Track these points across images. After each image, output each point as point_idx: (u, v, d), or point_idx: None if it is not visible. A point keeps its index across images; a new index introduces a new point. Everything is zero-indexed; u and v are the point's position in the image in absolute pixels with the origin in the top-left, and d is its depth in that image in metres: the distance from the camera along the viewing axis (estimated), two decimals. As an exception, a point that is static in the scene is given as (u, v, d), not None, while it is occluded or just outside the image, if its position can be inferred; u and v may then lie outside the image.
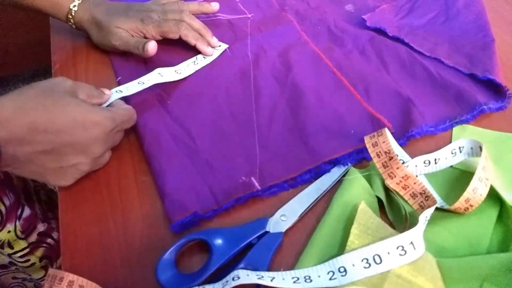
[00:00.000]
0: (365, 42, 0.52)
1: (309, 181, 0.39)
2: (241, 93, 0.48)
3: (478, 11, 0.53)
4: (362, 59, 0.50)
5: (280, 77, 0.49)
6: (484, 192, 0.34)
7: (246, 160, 0.41)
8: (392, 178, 0.36)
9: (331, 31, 0.54)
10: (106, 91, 0.43)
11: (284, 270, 0.32)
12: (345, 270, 0.29)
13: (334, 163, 0.40)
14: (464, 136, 0.42)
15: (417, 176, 0.37)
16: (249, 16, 0.57)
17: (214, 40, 0.53)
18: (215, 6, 0.55)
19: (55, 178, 0.37)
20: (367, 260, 0.29)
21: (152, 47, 0.50)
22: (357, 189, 0.36)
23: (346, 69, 0.49)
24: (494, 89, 0.45)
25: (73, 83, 0.39)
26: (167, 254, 0.32)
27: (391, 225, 0.35)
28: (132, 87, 0.46)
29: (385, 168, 0.36)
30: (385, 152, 0.36)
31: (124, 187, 0.40)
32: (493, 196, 0.35)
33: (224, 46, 0.53)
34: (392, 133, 0.41)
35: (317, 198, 0.37)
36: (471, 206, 0.34)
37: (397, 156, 0.38)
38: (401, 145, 0.41)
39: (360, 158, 0.40)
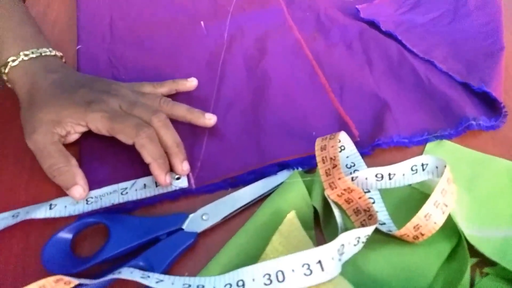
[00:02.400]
0: (354, 35, 0.46)
1: (251, 183, 0.35)
2: (204, 77, 0.43)
3: (492, 14, 0.47)
4: (346, 54, 0.45)
5: (251, 64, 0.44)
6: (440, 220, 0.29)
7: (189, 150, 0.37)
8: (332, 189, 0.31)
9: (319, 19, 0.48)
10: None
11: (188, 275, 0.28)
12: (243, 285, 0.25)
13: (284, 166, 0.35)
14: (438, 152, 0.36)
15: (367, 191, 0.32)
16: (236, -6, 0.53)
17: (183, 167, 0.34)
18: (192, 81, 0.42)
19: None
20: (269, 276, 0.24)
21: (79, 193, 0.33)
22: (293, 195, 0.31)
23: (326, 63, 0.44)
24: (489, 104, 0.39)
25: None
26: (61, 233, 0.29)
27: (325, 242, 0.30)
28: None
29: (327, 176, 0.31)
30: (331, 159, 0.31)
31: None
32: (452, 227, 0.30)
33: (184, 182, 0.34)
34: (357, 142, 0.36)
35: (250, 202, 0.33)
36: (422, 235, 0.29)
37: (353, 166, 0.33)
38: (364, 154, 0.36)
39: (315, 164, 0.35)
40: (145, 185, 0.34)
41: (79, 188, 0.33)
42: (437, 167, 0.31)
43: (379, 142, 0.36)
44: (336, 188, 0.30)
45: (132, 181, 0.35)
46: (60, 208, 0.33)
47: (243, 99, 0.41)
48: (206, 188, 0.35)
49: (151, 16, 0.50)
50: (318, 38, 0.46)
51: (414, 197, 0.33)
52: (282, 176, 0.34)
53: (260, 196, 0.33)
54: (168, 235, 0.30)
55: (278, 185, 0.34)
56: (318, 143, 0.32)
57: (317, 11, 0.49)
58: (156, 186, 0.34)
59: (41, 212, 0.32)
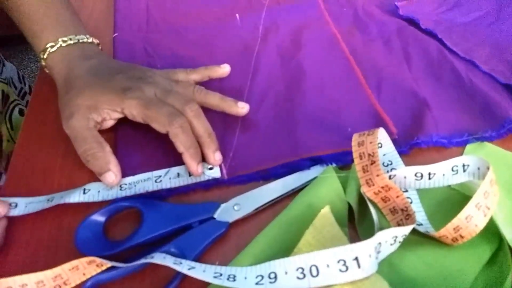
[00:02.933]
0: (392, 31, 0.45)
1: (283, 176, 0.34)
2: (238, 68, 0.43)
3: (539, 14, 0.45)
4: (384, 50, 0.44)
5: (286, 56, 0.44)
6: (481, 223, 0.28)
7: (222, 141, 0.37)
8: (369, 186, 0.30)
9: (357, 14, 0.47)
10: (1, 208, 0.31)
11: (219, 264, 0.28)
12: (275, 277, 0.24)
13: (317, 161, 0.35)
14: (478, 154, 0.34)
15: (405, 190, 0.31)
16: (272, -13, 0.52)
17: (216, 157, 0.34)
18: (224, 68, 0.41)
19: None
20: (303, 270, 0.24)
21: (111, 180, 0.33)
22: (327, 190, 0.31)
23: (363, 58, 0.43)
24: (534, 106, 0.37)
25: None
26: (94, 216, 0.29)
27: (359, 240, 0.30)
28: (33, 205, 0.33)
29: (364, 172, 0.30)
30: (369, 155, 0.30)
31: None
32: (493, 231, 0.29)
33: (216, 172, 0.34)
34: (395, 139, 0.35)
35: (282, 195, 0.32)
36: (462, 237, 0.28)
37: (390, 164, 0.32)
38: (402, 153, 0.35)
39: (350, 160, 0.35)
40: (178, 174, 0.34)
41: (111, 174, 0.33)
42: (479, 169, 0.30)
43: (418, 141, 0.35)
44: (373, 185, 0.30)
45: (166, 170, 0.35)
46: (93, 192, 0.33)
47: (277, 91, 0.41)
48: (238, 179, 0.34)
49: (187, 7, 0.50)
50: (355, 33, 0.46)
51: (453, 199, 0.32)
52: (315, 170, 0.34)
53: (292, 189, 0.32)
54: (200, 223, 0.30)
55: (311, 180, 0.33)
56: (355, 139, 0.31)
57: (354, 6, 0.48)
58: (189, 175, 0.34)
59: (75, 196, 0.33)
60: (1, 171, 0.52)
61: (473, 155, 0.30)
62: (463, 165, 0.31)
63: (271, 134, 0.37)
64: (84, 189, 0.33)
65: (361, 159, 0.31)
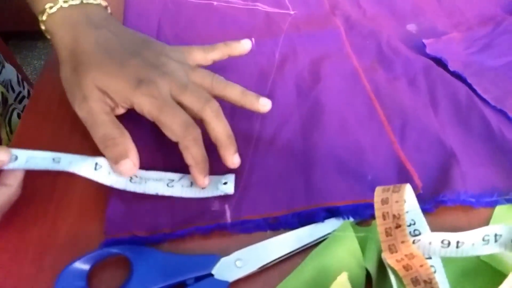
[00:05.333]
0: (418, 70, 0.42)
1: (294, 226, 0.31)
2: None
3: None
4: (408, 90, 0.40)
5: (304, 88, 0.41)
6: (516, 308, 0.24)
7: (228, 178, 0.34)
8: (392, 253, 0.27)
9: (381, 48, 0.44)
10: (3, 155, 0.29)
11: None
12: None
13: (333, 212, 0.31)
14: (509, 220, 0.31)
15: (429, 257, 0.28)
16: (292, 12, 0.49)
17: (234, 160, 0.33)
18: (246, 44, 0.38)
19: None
20: None
21: (128, 168, 0.31)
22: (343, 252, 0.27)
23: (385, 97, 0.40)
24: None
25: None
26: (77, 263, 0.26)
27: (376, 312, 0.26)
28: (35, 160, 0.30)
29: (387, 236, 0.27)
30: (393, 216, 0.27)
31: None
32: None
33: (230, 188, 0.32)
34: (419, 194, 0.32)
35: (292, 251, 0.29)
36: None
37: (413, 224, 0.29)
38: (426, 210, 0.31)
39: (369, 215, 0.32)
40: (192, 183, 0.32)
41: (129, 162, 0.30)
42: (514, 241, 0.27)
43: (444, 199, 0.32)
44: (396, 252, 0.26)
45: (180, 175, 0.33)
46: (104, 172, 0.31)
47: (291, 126, 0.38)
48: (243, 225, 0.31)
49: (201, 26, 0.47)
50: (378, 69, 0.43)
51: (482, 271, 0.28)
52: (330, 224, 0.30)
53: (304, 245, 0.29)
54: (196, 280, 0.26)
55: (325, 235, 0.30)
56: (379, 194, 0.28)
57: (378, 40, 0.45)
58: (202, 188, 0.32)
59: (86, 170, 0.30)
60: None
61: (507, 225, 0.27)
62: (495, 235, 0.27)
63: (283, 176, 0.34)
64: (96, 164, 0.31)
65: (384, 219, 0.27)
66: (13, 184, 0.29)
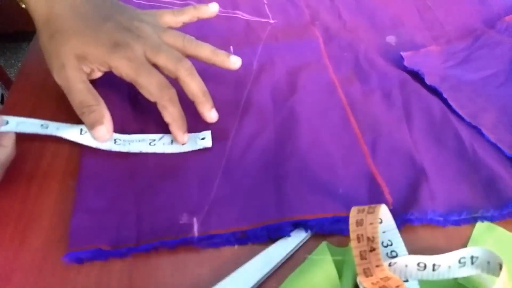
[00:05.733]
0: (394, 84, 0.42)
1: (263, 240, 0.31)
2: (226, 106, 0.40)
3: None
4: (383, 104, 0.40)
5: (279, 99, 0.40)
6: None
7: (198, 191, 0.33)
8: (367, 276, 0.26)
9: (358, 61, 0.44)
10: None
11: None
12: None
13: (303, 225, 0.31)
14: (488, 240, 0.31)
15: (406, 280, 0.28)
16: (271, 21, 0.49)
17: (211, 115, 0.36)
18: (213, 7, 0.41)
19: None
20: None
21: (102, 134, 0.34)
22: (320, 277, 0.27)
23: (360, 110, 0.40)
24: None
25: None
26: None
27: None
28: (25, 125, 0.34)
29: (362, 259, 0.26)
30: (368, 239, 0.26)
31: (45, 187, 0.33)
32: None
33: (208, 142, 0.36)
34: (390, 210, 0.32)
35: (266, 274, 0.28)
36: None
37: (390, 245, 0.29)
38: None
39: (336, 229, 0.31)
40: (172, 141, 0.36)
41: (103, 129, 0.33)
42: (489, 262, 0.26)
43: (411, 217, 0.31)
44: (371, 275, 0.26)
45: (160, 135, 0.36)
46: (89, 137, 0.34)
47: (265, 137, 0.37)
48: (210, 239, 0.31)
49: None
50: (354, 81, 0.42)
51: (455, 292, 0.28)
52: (297, 237, 0.30)
53: (276, 265, 0.28)
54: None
55: (294, 248, 0.29)
56: (354, 215, 0.28)
57: (356, 52, 0.45)
58: (182, 144, 0.35)
59: (72, 134, 0.34)
60: None
61: (483, 247, 0.27)
62: (472, 257, 0.27)
63: (255, 189, 0.33)
64: (81, 129, 0.34)
65: (358, 242, 0.27)
66: (8, 145, 0.31)
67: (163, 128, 0.36)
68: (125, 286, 0.28)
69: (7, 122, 0.33)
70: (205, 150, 0.36)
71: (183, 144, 0.35)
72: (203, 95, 0.36)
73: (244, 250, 0.30)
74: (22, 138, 0.33)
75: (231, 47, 0.46)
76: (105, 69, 0.36)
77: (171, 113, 0.34)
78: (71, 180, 0.33)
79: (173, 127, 0.35)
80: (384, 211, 0.29)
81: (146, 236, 0.30)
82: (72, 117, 0.35)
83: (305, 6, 0.51)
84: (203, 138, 0.36)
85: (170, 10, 0.39)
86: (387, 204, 0.32)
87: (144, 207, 0.32)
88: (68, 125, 0.34)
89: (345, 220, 0.31)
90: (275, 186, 0.33)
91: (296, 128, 0.38)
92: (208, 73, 0.42)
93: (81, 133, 0.34)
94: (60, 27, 0.35)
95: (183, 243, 0.30)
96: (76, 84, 0.34)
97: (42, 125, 0.34)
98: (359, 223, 0.27)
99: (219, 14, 0.49)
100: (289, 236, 0.31)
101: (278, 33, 0.47)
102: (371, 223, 0.27)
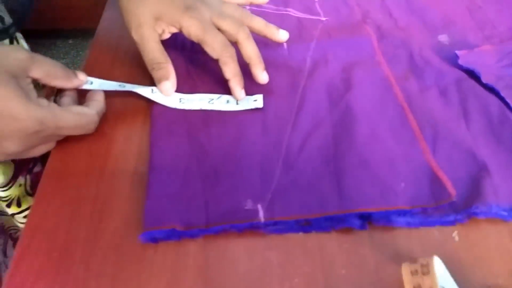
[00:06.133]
0: (450, 81, 0.42)
1: (327, 230, 0.31)
2: (282, 101, 0.40)
3: None
4: (440, 101, 0.41)
5: (335, 95, 0.41)
6: None
7: (261, 180, 0.34)
8: None
9: (413, 58, 0.45)
10: (81, 76, 0.37)
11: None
12: None
13: (366, 218, 0.32)
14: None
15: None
16: (323, 19, 0.50)
17: (263, 77, 0.40)
18: None
19: None
20: None
21: (167, 88, 0.39)
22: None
23: (417, 107, 0.40)
24: None
25: (28, 57, 0.32)
26: None
27: None
28: (106, 84, 0.39)
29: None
30: None
31: (118, 172, 0.34)
32: None
33: (260, 103, 0.39)
34: (452, 203, 0.32)
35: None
36: None
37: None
38: (458, 221, 0.32)
39: (403, 222, 0.31)
40: (228, 100, 0.40)
41: (168, 84, 0.39)
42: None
43: (476, 211, 0.32)
44: None
45: (217, 95, 0.40)
46: (160, 96, 0.39)
47: (323, 131, 0.38)
48: (276, 225, 0.31)
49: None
50: (410, 78, 0.43)
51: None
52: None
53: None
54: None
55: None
56: (409, 279, 0.26)
57: (410, 50, 0.45)
58: (237, 103, 0.39)
59: (145, 91, 0.39)
60: (38, 158, 0.51)
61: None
62: None
63: (316, 180, 0.34)
64: (152, 89, 0.39)
65: None
66: (101, 100, 0.37)
67: (220, 90, 0.41)
68: (201, 266, 0.29)
69: (91, 82, 0.38)
70: (263, 141, 0.37)
71: (237, 102, 0.39)
72: (258, 57, 0.40)
73: (310, 237, 0.31)
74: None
75: (284, 43, 0.46)
76: (175, 30, 0.40)
77: (232, 68, 0.39)
78: (141, 165, 0.34)
79: (232, 82, 0.39)
80: (437, 264, 0.27)
81: (215, 219, 0.31)
82: (144, 76, 0.41)
83: (356, 4, 0.52)
84: (255, 100, 0.39)
85: None
86: (450, 196, 0.32)
87: (210, 193, 0.33)
88: (141, 86, 0.39)
89: (409, 213, 0.32)
90: (335, 178, 0.34)
91: (354, 124, 0.38)
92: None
93: (152, 92, 0.39)
94: None
95: (250, 227, 0.31)
96: (150, 42, 0.39)
97: (119, 85, 0.39)
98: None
99: (271, 11, 0.51)
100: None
101: (330, 30, 0.48)
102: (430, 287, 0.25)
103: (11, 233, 0.51)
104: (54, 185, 0.33)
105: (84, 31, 1.85)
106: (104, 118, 0.38)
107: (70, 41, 1.88)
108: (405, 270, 0.26)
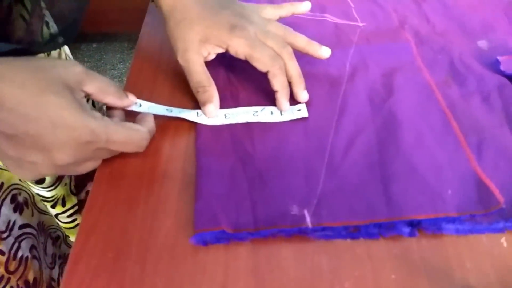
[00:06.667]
0: (492, 87, 0.42)
1: (375, 237, 0.31)
2: (323, 106, 0.41)
3: None
4: (483, 107, 0.40)
5: (376, 100, 0.41)
6: None
7: (305, 185, 0.34)
8: None
9: (453, 64, 0.44)
10: (131, 96, 0.38)
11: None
12: None
13: (415, 225, 0.32)
14: None
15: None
16: (360, 24, 0.50)
17: (304, 96, 0.41)
18: (306, 5, 0.46)
19: (13, 168, 0.32)
20: None
21: (211, 111, 0.39)
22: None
23: (460, 113, 0.40)
24: None
25: (84, 71, 0.33)
26: None
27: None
28: (154, 108, 0.39)
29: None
30: None
31: (168, 174, 0.35)
32: None
33: (304, 112, 0.40)
34: (500, 209, 0.32)
35: None
36: None
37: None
38: (508, 228, 0.31)
39: (452, 230, 0.31)
40: (272, 112, 0.40)
41: (212, 107, 0.39)
42: None
43: (526, 218, 0.31)
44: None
45: (261, 107, 0.41)
46: (204, 118, 0.39)
47: (366, 136, 0.38)
48: (324, 231, 0.32)
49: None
50: (451, 84, 0.42)
51: None
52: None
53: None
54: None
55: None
56: None
57: (450, 55, 0.45)
58: (281, 114, 0.40)
59: (191, 115, 0.39)
60: None
61: None
62: None
63: (361, 185, 0.34)
64: (197, 113, 0.40)
65: None
66: (151, 121, 0.37)
67: (262, 101, 0.41)
68: (252, 269, 0.29)
69: (140, 105, 0.39)
70: (306, 146, 0.37)
71: (281, 113, 0.40)
72: (300, 77, 0.41)
73: (358, 242, 0.31)
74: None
75: (327, 47, 0.47)
76: (222, 50, 0.41)
77: (280, 81, 0.39)
78: (190, 167, 0.35)
79: (280, 94, 0.39)
80: None
81: (263, 223, 0.32)
82: (186, 98, 0.42)
83: (392, 10, 0.52)
84: (299, 110, 0.40)
85: (271, 5, 0.45)
86: (498, 203, 0.32)
87: (256, 196, 0.33)
88: (187, 109, 0.40)
89: (458, 220, 0.31)
90: (382, 185, 0.34)
91: (398, 129, 0.38)
92: (304, 74, 0.44)
93: (197, 115, 0.39)
94: (186, 14, 0.41)
95: (298, 232, 0.31)
96: (195, 66, 0.40)
97: (167, 109, 0.39)
98: None
99: (308, 17, 0.51)
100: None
101: (368, 36, 0.48)
102: None
103: (50, 232, 0.52)
104: (106, 187, 0.34)
105: (107, 35, 1.89)
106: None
107: (94, 45, 1.92)
108: None
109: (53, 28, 0.43)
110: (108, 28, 1.81)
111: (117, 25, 1.74)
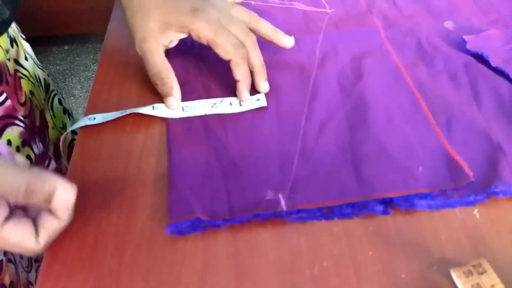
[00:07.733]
0: (459, 66, 0.43)
1: (349, 216, 0.32)
2: (294, 92, 0.41)
3: None
4: (451, 85, 0.41)
5: (346, 84, 0.42)
6: None
7: (279, 171, 0.35)
8: None
9: (421, 45, 0.45)
10: None
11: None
12: None
13: (387, 203, 0.32)
14: None
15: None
16: (329, 11, 0.50)
17: (265, 86, 0.40)
18: None
19: None
20: None
21: (172, 103, 0.38)
22: None
23: (429, 93, 0.41)
24: None
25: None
26: None
27: None
28: (108, 116, 0.38)
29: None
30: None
31: (142, 167, 0.35)
32: None
33: (263, 102, 0.40)
34: (470, 183, 0.33)
35: None
36: None
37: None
38: (478, 201, 0.32)
39: (425, 206, 0.32)
40: (231, 103, 0.40)
41: (173, 99, 0.38)
42: None
43: (495, 190, 0.32)
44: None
45: (220, 98, 0.40)
46: (161, 110, 0.39)
47: (338, 120, 0.38)
48: (298, 213, 0.32)
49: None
50: (419, 65, 0.43)
51: None
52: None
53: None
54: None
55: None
56: (464, 281, 0.26)
57: (418, 37, 0.46)
58: (240, 105, 0.39)
59: (147, 110, 0.38)
60: (50, 156, 0.51)
61: None
62: None
63: (334, 168, 0.35)
64: (153, 106, 0.39)
65: None
66: (64, 218, 0.28)
67: (222, 93, 0.41)
68: (232, 254, 0.29)
69: (94, 118, 0.38)
70: (279, 133, 0.37)
71: (241, 103, 0.39)
72: (262, 67, 0.40)
73: (335, 222, 0.31)
74: (114, 124, 0.36)
75: (292, 36, 0.47)
76: (184, 35, 0.40)
77: (243, 71, 0.38)
78: (164, 160, 0.35)
79: (241, 84, 0.39)
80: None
81: (238, 209, 0.32)
82: (157, 93, 0.40)
83: (360, -5, 0.52)
84: (258, 100, 0.40)
85: None
86: (467, 177, 0.33)
87: (231, 184, 0.34)
88: (141, 107, 0.39)
89: (430, 196, 0.32)
90: (354, 167, 0.35)
91: (367, 111, 0.39)
92: (274, 61, 0.44)
93: (153, 109, 0.39)
94: (143, 3, 0.39)
95: (273, 216, 0.32)
96: (154, 57, 0.39)
97: (121, 112, 0.38)
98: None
99: (276, 6, 0.51)
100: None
101: (337, 22, 0.49)
102: (492, 286, 0.26)
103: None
104: (79, 183, 0.33)
105: (79, 36, 1.86)
106: (125, 119, 0.38)
107: (66, 47, 1.88)
108: (457, 273, 0.27)
109: None
110: (80, 29, 1.77)
111: (89, 25, 1.70)
